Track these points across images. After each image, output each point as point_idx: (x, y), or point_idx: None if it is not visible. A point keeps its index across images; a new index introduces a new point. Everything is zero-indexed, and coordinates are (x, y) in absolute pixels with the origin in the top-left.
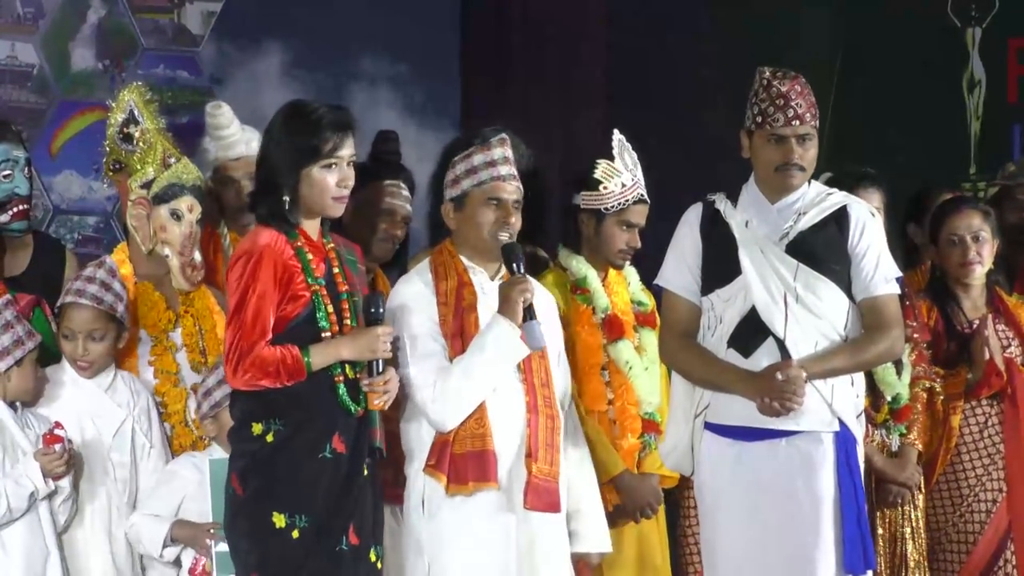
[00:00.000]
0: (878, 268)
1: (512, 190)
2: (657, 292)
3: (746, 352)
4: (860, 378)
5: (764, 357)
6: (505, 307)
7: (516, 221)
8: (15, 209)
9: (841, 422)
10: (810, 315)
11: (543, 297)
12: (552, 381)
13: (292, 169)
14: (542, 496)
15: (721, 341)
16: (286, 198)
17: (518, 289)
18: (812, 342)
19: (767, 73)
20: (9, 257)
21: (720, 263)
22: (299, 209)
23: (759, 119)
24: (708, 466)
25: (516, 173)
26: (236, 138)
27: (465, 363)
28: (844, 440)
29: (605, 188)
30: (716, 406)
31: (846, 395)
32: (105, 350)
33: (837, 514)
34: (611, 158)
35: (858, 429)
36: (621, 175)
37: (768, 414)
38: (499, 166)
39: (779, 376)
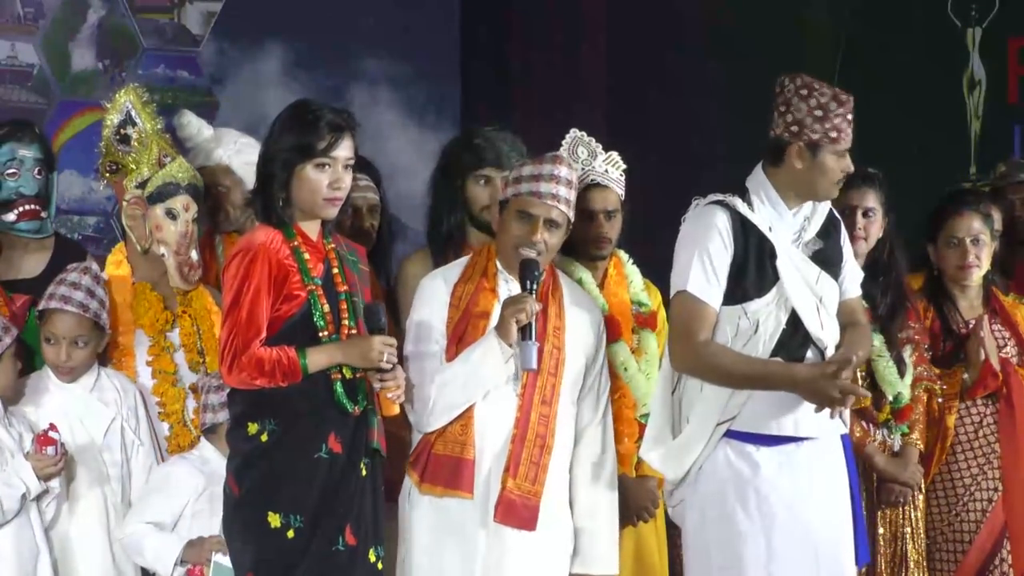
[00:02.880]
0: (855, 270)
1: (545, 208)
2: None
3: (793, 361)
4: None
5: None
6: (499, 325)
7: (544, 238)
8: (21, 209)
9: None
10: (831, 319)
11: (587, 312)
12: (558, 399)
13: (286, 166)
14: (516, 512)
15: (762, 351)
16: (281, 195)
17: (513, 308)
18: (834, 346)
19: (826, 87)
20: (26, 259)
21: (754, 272)
22: (293, 208)
23: (832, 134)
24: (726, 471)
25: (560, 193)
26: (198, 149)
27: (448, 372)
28: (847, 440)
29: None
30: (752, 415)
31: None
32: (87, 356)
33: (851, 511)
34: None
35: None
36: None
37: (825, 408)
38: (541, 182)
39: (841, 375)
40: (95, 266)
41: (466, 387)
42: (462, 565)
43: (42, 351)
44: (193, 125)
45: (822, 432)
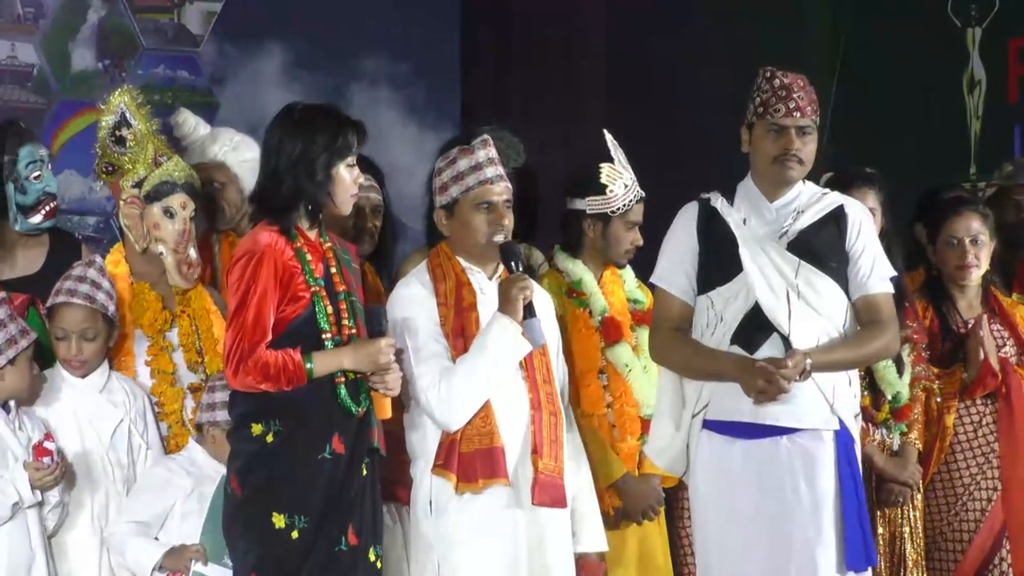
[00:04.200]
0: (874, 267)
1: (500, 191)
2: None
3: (751, 349)
4: (856, 379)
5: (769, 353)
6: (505, 305)
7: (509, 220)
8: (46, 209)
9: (840, 421)
10: (812, 312)
11: (540, 297)
12: (553, 378)
13: (326, 167)
14: (549, 492)
15: (724, 339)
16: (324, 198)
17: (518, 287)
18: (814, 339)
19: (769, 69)
20: (23, 256)
21: (719, 261)
22: (326, 209)
23: (760, 110)
24: (707, 465)
25: (502, 172)
26: (193, 147)
27: (468, 362)
28: (844, 438)
29: (611, 191)
30: (718, 403)
31: (845, 395)
32: (98, 349)
33: (838, 512)
34: (610, 160)
35: (855, 428)
36: (622, 176)
37: (758, 399)
38: (484, 169)
39: (775, 365)
40: (99, 259)
41: (492, 372)
42: (508, 555)
43: (54, 348)
44: (189, 123)
45: (798, 423)
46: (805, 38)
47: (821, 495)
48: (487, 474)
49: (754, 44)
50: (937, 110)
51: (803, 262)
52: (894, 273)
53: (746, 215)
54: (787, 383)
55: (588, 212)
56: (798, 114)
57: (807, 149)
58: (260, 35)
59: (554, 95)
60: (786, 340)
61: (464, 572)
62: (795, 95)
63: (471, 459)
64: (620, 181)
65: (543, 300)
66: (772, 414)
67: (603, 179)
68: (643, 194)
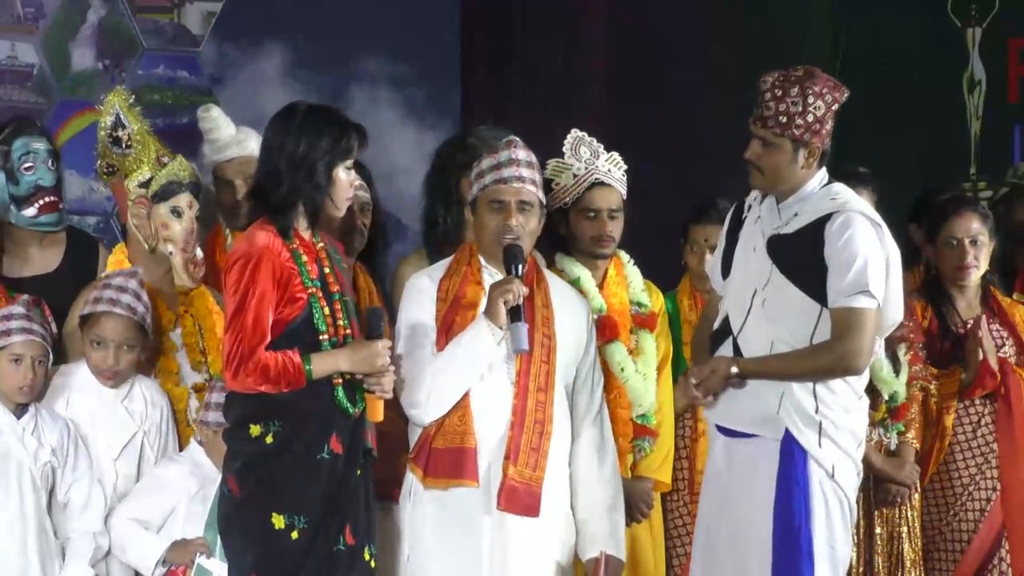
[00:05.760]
0: (843, 280)
1: (514, 191)
2: None
3: (713, 350)
4: (830, 391)
5: (725, 354)
6: (488, 308)
7: (520, 222)
8: (42, 202)
9: (788, 431)
10: (769, 319)
11: (573, 305)
12: (552, 386)
13: (326, 170)
14: (519, 499)
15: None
16: (322, 199)
17: (500, 290)
18: (767, 345)
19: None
20: (40, 254)
21: (726, 260)
22: (323, 210)
23: None
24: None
25: (523, 174)
26: (226, 140)
27: (441, 361)
28: (789, 449)
29: (557, 184)
30: None
31: (800, 404)
32: (133, 360)
33: (770, 526)
34: (562, 156)
35: (814, 440)
36: (571, 167)
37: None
38: (502, 168)
39: (702, 371)
40: (140, 271)
41: (460, 372)
42: (469, 556)
43: (87, 355)
44: (220, 119)
45: (737, 426)
46: (805, 38)
47: (757, 503)
48: (453, 473)
49: (756, 42)
50: (937, 110)
51: (775, 268)
52: (867, 288)
53: (762, 213)
54: (696, 391)
55: (550, 210)
56: (759, 124)
57: (766, 159)
58: (260, 35)
59: (554, 95)
60: (736, 344)
61: (426, 567)
62: (763, 103)
63: (442, 456)
64: (567, 173)
65: (575, 309)
66: (719, 414)
67: (547, 175)
68: (602, 180)
